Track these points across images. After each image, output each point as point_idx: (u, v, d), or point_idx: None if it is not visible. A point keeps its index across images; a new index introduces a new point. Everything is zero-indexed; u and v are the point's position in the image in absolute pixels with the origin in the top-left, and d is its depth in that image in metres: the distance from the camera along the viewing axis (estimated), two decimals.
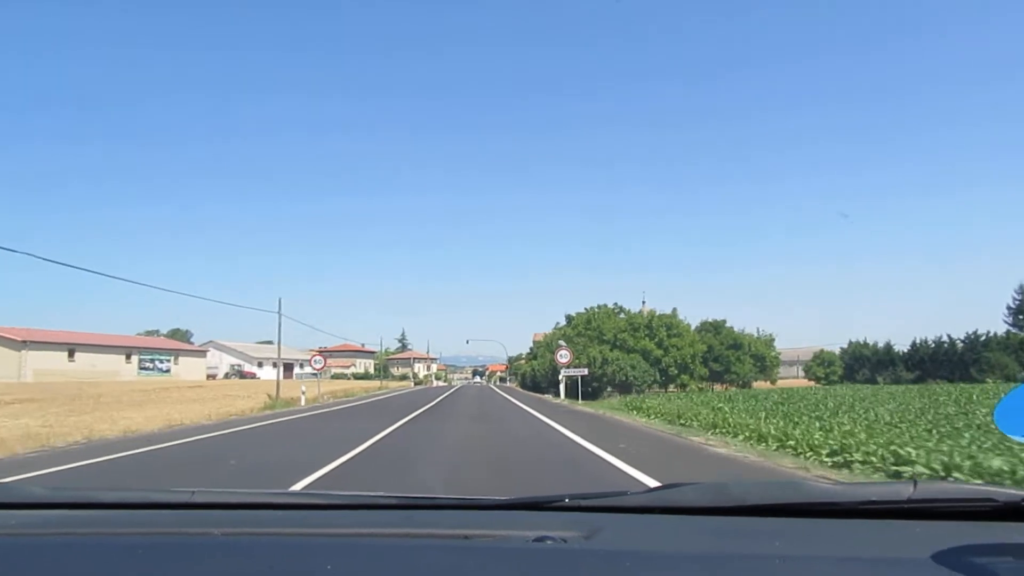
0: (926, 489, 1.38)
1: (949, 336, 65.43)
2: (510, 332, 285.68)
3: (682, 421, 16.85)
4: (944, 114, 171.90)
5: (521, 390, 61.04)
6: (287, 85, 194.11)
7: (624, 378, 41.97)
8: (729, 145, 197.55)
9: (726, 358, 55.20)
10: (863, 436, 11.38)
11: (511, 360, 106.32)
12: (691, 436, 12.92)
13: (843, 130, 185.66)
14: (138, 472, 9.11)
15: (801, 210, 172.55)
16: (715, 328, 57.12)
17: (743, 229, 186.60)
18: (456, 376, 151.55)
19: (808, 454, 10.55)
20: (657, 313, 51.75)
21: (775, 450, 11.46)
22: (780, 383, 65.19)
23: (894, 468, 8.50)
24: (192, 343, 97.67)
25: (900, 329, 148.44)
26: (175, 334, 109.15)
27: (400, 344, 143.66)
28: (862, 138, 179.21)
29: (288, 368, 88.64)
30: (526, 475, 8.19)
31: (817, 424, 14.17)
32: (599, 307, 53.95)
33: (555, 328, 59.99)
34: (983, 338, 62.94)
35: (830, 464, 9.64)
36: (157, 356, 77.54)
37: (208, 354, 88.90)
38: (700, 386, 51.15)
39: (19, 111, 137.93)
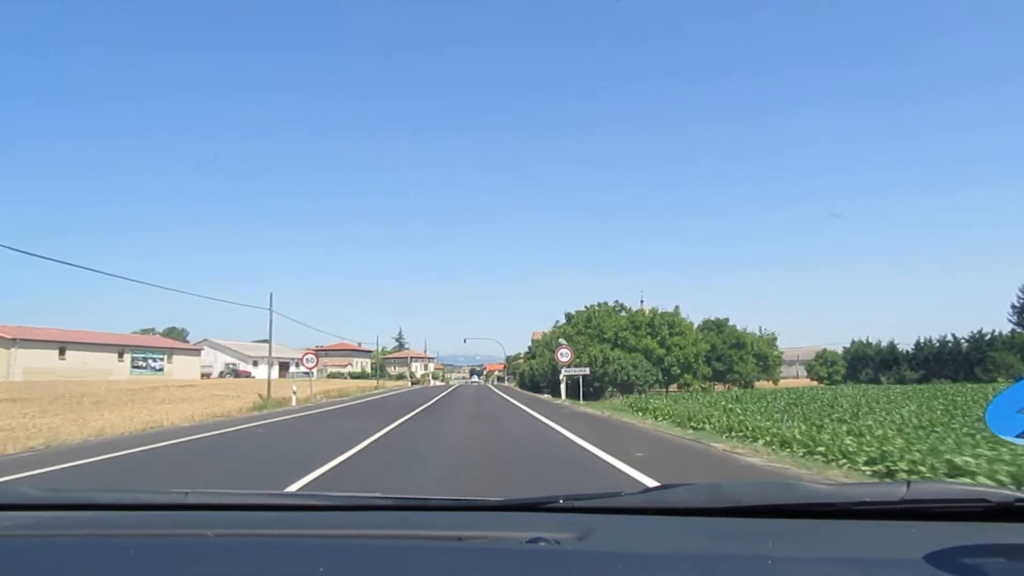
0: (920, 490, 1.38)
1: (954, 335, 64.79)
2: (508, 331, 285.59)
3: (694, 424, 15.84)
4: (947, 115, 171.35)
5: (520, 390, 59.95)
6: (287, 85, 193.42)
7: (626, 378, 40.90)
8: (729, 145, 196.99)
9: (729, 357, 54.16)
10: (900, 441, 10.38)
11: (509, 359, 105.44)
12: (711, 442, 11.86)
13: (843, 130, 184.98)
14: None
15: (801, 210, 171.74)
16: (718, 327, 56.07)
17: (743, 229, 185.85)
18: (453, 375, 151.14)
19: (842, 462, 9.56)
20: (659, 311, 50.66)
21: (802, 456, 10.50)
22: (782, 383, 64.63)
23: (949, 481, 7.59)
24: (188, 342, 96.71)
25: (902, 328, 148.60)
26: (171, 333, 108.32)
27: (397, 343, 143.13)
28: (863, 138, 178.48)
29: (284, 367, 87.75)
30: (533, 490, 7.11)
31: (844, 428, 13.14)
32: (599, 305, 52.89)
33: (554, 327, 58.95)
34: (988, 337, 62.19)
35: (870, 474, 8.63)
36: (150, 355, 76.69)
37: (203, 353, 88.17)
38: (703, 386, 50.13)
39: (17, 107, 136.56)
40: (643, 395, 38.03)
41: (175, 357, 79.35)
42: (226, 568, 1.19)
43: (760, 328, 64.01)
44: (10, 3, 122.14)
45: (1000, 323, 68.96)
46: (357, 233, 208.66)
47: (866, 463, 9.16)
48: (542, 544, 1.22)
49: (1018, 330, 62.36)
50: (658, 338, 48.35)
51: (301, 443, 12.84)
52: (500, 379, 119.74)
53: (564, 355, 33.05)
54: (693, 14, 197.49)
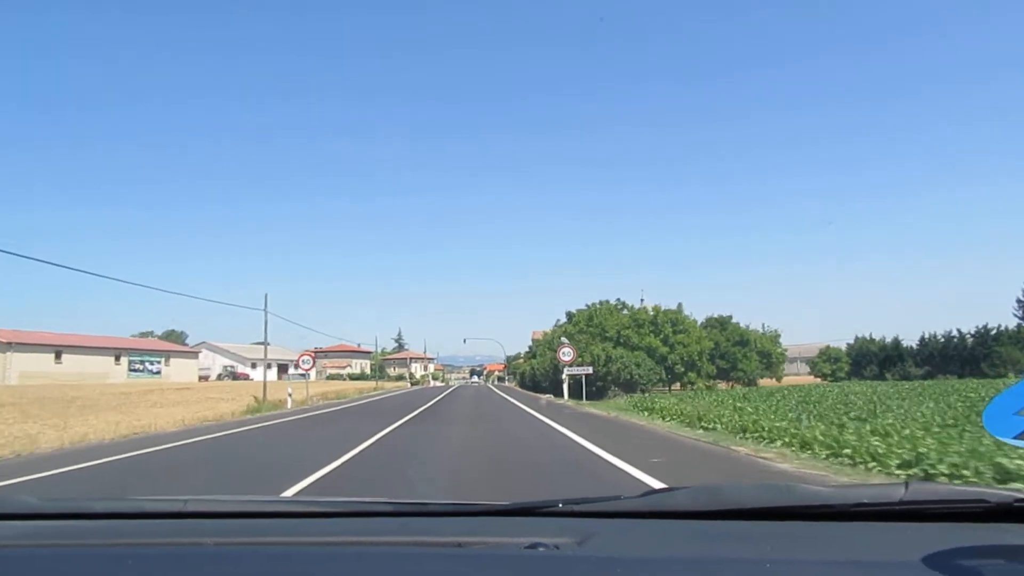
0: (918, 491, 1.38)
1: (959, 331, 64.14)
2: (508, 331, 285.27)
3: (704, 424, 15.12)
4: (949, 111, 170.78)
5: (520, 390, 59.17)
6: (285, 87, 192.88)
7: (629, 377, 40.10)
8: (729, 144, 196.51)
9: (732, 355, 53.33)
10: (930, 441, 9.66)
11: (509, 359, 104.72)
12: (731, 445, 11.10)
13: (844, 129, 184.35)
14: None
15: (801, 208, 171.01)
16: (721, 324, 55.26)
17: (743, 227, 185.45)
18: (453, 376, 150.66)
19: (871, 464, 8.85)
20: (662, 309, 49.85)
21: (825, 459, 9.81)
22: (785, 380, 64.08)
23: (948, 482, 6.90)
24: (187, 345, 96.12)
25: (904, 325, 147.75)
26: (170, 335, 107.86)
27: (397, 344, 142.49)
28: (864, 136, 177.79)
29: (283, 369, 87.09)
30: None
31: (867, 427, 12.40)
32: (601, 303, 52.07)
33: (555, 326, 58.17)
34: (993, 332, 61.54)
35: (904, 478, 7.87)
36: (147, 358, 76.20)
37: (200, 355, 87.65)
38: (707, 384, 49.36)
39: (15, 111, 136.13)
40: (647, 394, 37.31)
41: (172, 360, 78.84)
42: None
43: (763, 325, 63.39)
44: (10, 7, 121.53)
45: (1005, 318, 68.29)
46: (357, 235, 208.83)
47: (899, 466, 8.45)
48: (541, 549, 1.21)
49: None
50: (661, 336, 47.52)
51: (290, 449, 12.11)
52: (500, 379, 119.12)
53: (566, 354, 32.24)
54: (693, 14, 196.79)
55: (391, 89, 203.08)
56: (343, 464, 9.26)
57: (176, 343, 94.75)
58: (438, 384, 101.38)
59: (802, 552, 1.25)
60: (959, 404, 19.22)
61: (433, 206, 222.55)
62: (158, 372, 74.94)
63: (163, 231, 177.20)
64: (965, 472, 7.40)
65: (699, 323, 52.93)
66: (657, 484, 6.85)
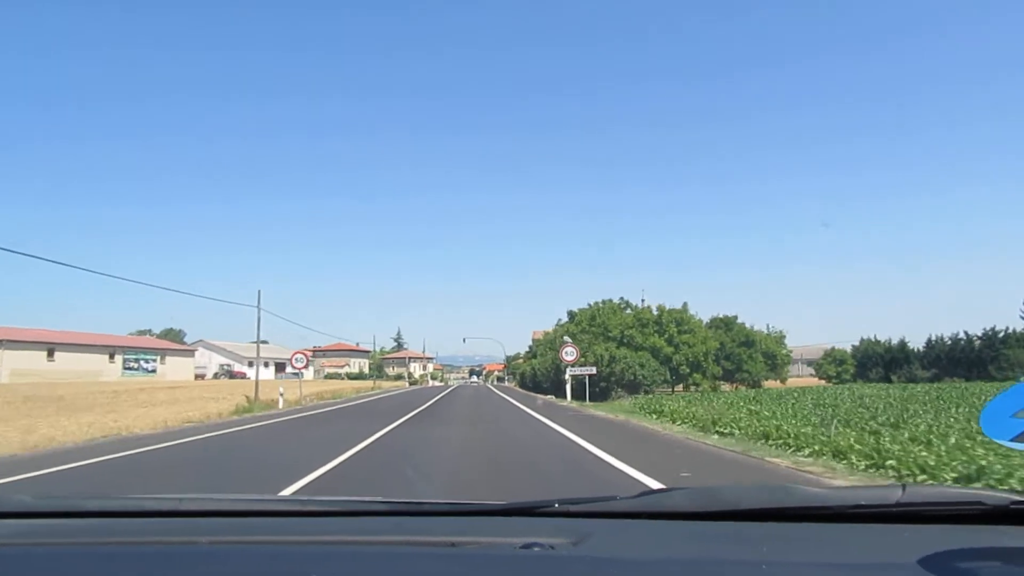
0: (915, 493, 1.38)
1: (966, 333, 63.30)
2: (508, 331, 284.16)
3: (719, 429, 14.09)
4: (952, 111, 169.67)
5: (521, 390, 57.99)
6: (286, 85, 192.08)
7: (632, 377, 38.97)
8: (729, 144, 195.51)
9: (738, 356, 52.15)
10: (981, 451, 8.62)
11: (509, 359, 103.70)
12: (763, 455, 10.02)
13: (844, 129, 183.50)
14: None
15: (802, 209, 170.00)
16: (726, 324, 54.09)
17: (743, 228, 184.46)
18: (453, 376, 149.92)
19: (921, 478, 7.83)
20: (667, 308, 48.69)
21: (864, 471, 8.83)
22: (789, 382, 63.21)
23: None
24: (185, 343, 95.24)
25: (908, 328, 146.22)
26: (168, 334, 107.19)
27: (396, 343, 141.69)
28: (864, 136, 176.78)
29: (280, 368, 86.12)
30: None
31: (904, 434, 11.34)
32: (604, 302, 50.91)
33: (557, 325, 57.11)
34: (1001, 335, 60.69)
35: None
36: (142, 356, 75.44)
37: (197, 353, 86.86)
38: (711, 386, 48.24)
39: (13, 108, 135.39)
40: (652, 396, 36.27)
41: (168, 358, 78.04)
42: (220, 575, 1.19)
43: (767, 326, 62.37)
44: (9, 4, 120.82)
45: (1013, 320, 67.43)
46: (356, 234, 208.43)
47: (956, 480, 7.42)
48: (536, 549, 1.20)
49: None
50: (666, 336, 46.33)
51: (271, 455, 11.09)
52: (500, 379, 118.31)
53: (569, 354, 31.12)
54: (693, 14, 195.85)
55: (391, 88, 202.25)
56: (331, 470, 8.45)
57: (174, 342, 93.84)
58: (437, 384, 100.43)
59: (799, 553, 1.24)
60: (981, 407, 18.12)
61: (433, 205, 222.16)
62: (153, 370, 74.19)
63: (163, 229, 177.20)
64: None
65: (704, 323, 51.82)
66: None
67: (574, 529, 1.32)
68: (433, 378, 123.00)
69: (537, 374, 54.04)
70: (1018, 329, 60.34)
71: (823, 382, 66.36)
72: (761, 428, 12.87)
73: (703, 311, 61.71)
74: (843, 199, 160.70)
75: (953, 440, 10.09)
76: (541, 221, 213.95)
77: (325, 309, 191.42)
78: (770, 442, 11.86)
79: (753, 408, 19.75)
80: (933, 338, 65.19)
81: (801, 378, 76.07)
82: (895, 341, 67.52)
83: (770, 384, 55.49)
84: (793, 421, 14.91)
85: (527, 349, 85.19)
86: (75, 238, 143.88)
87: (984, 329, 61.85)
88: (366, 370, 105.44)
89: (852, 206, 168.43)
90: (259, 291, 32.73)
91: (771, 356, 57.50)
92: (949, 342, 63.48)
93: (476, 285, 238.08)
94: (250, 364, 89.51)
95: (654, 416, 19.16)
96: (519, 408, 24.71)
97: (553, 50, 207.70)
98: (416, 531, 1.44)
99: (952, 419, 15.00)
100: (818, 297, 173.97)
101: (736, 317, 55.64)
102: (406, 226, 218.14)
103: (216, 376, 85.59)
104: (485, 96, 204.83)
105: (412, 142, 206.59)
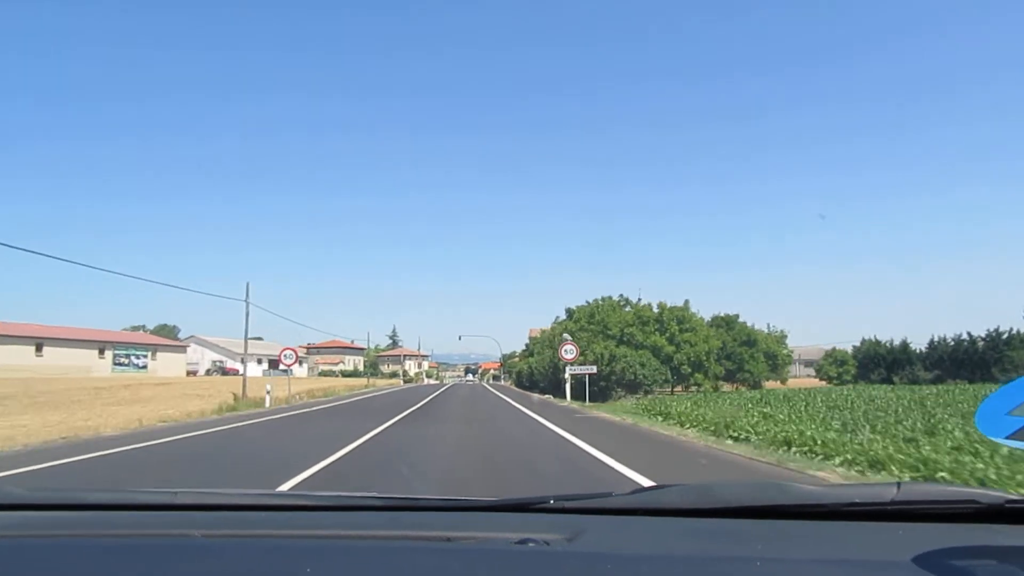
0: (910, 491, 1.38)
1: (969, 334, 62.51)
2: (504, 329, 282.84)
3: (733, 434, 13.02)
4: (952, 111, 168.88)
5: (517, 389, 56.78)
6: (286, 84, 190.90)
7: (632, 377, 37.89)
8: (729, 144, 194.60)
9: (739, 356, 51.07)
10: None
11: (505, 358, 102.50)
12: (807, 468, 8.92)
13: (843, 128, 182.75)
14: None
15: (801, 209, 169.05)
16: (727, 323, 53.01)
17: (743, 228, 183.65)
18: (448, 374, 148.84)
19: None
20: (668, 306, 47.50)
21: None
22: (790, 383, 62.39)
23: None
24: (180, 339, 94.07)
25: (908, 327, 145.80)
26: (162, 330, 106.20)
27: (391, 341, 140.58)
28: (864, 136, 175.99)
29: (273, 364, 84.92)
30: None
31: (946, 442, 10.30)
32: (603, 299, 49.69)
33: (555, 323, 55.91)
34: (1005, 336, 59.94)
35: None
36: (133, 351, 74.21)
37: (189, 350, 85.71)
38: (713, 386, 47.16)
39: (12, 107, 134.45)
40: (653, 396, 35.22)
41: (159, 354, 76.85)
42: (214, 569, 1.18)
43: (768, 325, 61.38)
44: (9, 3, 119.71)
45: (1016, 321, 66.73)
46: (354, 232, 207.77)
47: None
48: (531, 545, 1.21)
49: None
50: (667, 334, 45.14)
51: (244, 462, 9.95)
52: (496, 378, 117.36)
53: (569, 352, 29.97)
54: (693, 14, 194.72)
55: (391, 87, 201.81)
56: (313, 476, 7.58)
57: (168, 337, 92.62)
58: (432, 382, 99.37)
59: (793, 551, 1.24)
60: None
61: (432, 204, 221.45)
62: (144, 366, 73.05)
63: (162, 226, 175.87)
64: None
65: (705, 322, 50.67)
66: None
67: (569, 525, 1.32)
68: (428, 376, 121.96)
69: (534, 373, 52.88)
70: (1022, 330, 59.81)
71: (824, 383, 65.53)
72: (782, 433, 11.83)
73: (702, 311, 60.66)
74: (843, 199, 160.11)
75: (1005, 450, 9.05)
76: (540, 221, 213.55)
77: (321, 306, 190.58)
78: (793, 450, 10.83)
79: (764, 411, 18.72)
80: (935, 339, 64.54)
81: (801, 379, 75.31)
82: (897, 342, 66.88)
83: (771, 385, 54.56)
84: (812, 425, 13.89)
85: (524, 347, 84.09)
86: (73, 234, 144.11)
87: (987, 330, 61.36)
88: (361, 368, 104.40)
89: (852, 205, 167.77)
90: (247, 284, 31.63)
91: (772, 356, 56.56)
92: (952, 343, 62.75)
93: (474, 284, 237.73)
94: (243, 361, 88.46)
95: (660, 418, 18.09)
96: (516, 407, 23.57)
97: (553, 50, 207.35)
98: (411, 526, 1.44)
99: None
100: (816, 297, 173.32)
101: (738, 316, 54.74)
102: (404, 225, 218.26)
103: (209, 372, 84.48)
104: (485, 96, 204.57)
105: (412, 142, 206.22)
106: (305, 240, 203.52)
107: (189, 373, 78.31)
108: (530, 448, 11.10)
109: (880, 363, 65.19)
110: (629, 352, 39.87)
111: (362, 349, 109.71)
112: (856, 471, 8.73)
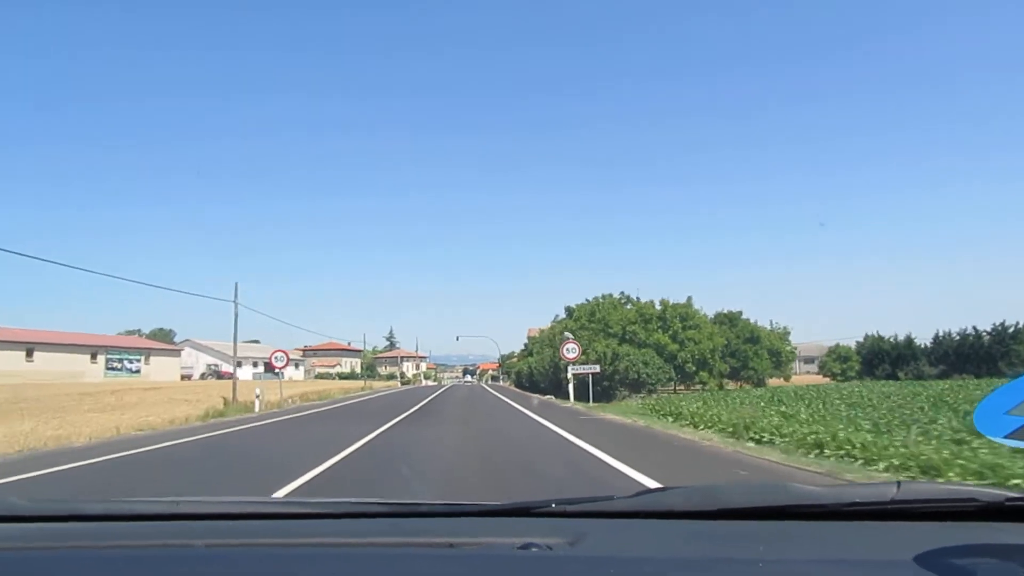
0: (910, 490, 1.39)
1: (975, 328, 61.50)
2: (503, 330, 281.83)
3: (754, 435, 11.99)
4: (955, 108, 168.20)
5: (516, 390, 55.62)
6: (286, 85, 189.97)
7: (636, 376, 36.79)
8: (729, 143, 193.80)
9: (743, 353, 49.97)
10: None
11: (503, 358, 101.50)
12: (859, 477, 7.85)
13: (843, 127, 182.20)
14: None
15: (801, 208, 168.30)
16: (730, 320, 51.89)
17: (742, 227, 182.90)
18: (446, 375, 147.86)
19: None
20: (671, 303, 46.38)
21: None
22: (794, 380, 61.49)
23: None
24: (175, 343, 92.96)
25: (910, 323, 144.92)
26: (158, 334, 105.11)
27: (388, 343, 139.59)
28: (862, 135, 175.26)
29: (269, 368, 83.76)
30: None
31: (1005, 447, 9.27)
32: (604, 297, 48.54)
33: (554, 322, 54.82)
34: (1012, 330, 59.07)
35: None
36: (126, 356, 72.96)
37: (184, 353, 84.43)
38: (718, 384, 46.08)
39: (10, 109, 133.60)
40: (657, 396, 34.16)
41: (153, 358, 75.59)
42: None
43: (771, 322, 60.34)
44: (9, 4, 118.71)
45: (1022, 315, 65.84)
46: (353, 233, 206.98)
47: None
48: (534, 550, 1.20)
49: None
50: (670, 332, 44.03)
51: (215, 477, 8.86)
52: (494, 378, 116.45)
53: (571, 350, 28.85)
54: (693, 14, 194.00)
55: (391, 87, 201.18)
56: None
57: (164, 341, 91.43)
58: (430, 383, 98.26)
59: (795, 551, 1.24)
60: None
61: (432, 204, 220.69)
62: (138, 371, 71.89)
63: (158, 227, 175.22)
64: None
65: (708, 319, 49.55)
66: None
67: (571, 529, 1.32)
68: (426, 377, 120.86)
69: (534, 373, 51.75)
70: None
71: (827, 380, 64.65)
72: (811, 435, 10.80)
73: (704, 308, 59.61)
74: (842, 196, 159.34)
75: None
76: (540, 221, 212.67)
77: (318, 309, 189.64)
78: (827, 453, 9.80)
79: (782, 410, 17.70)
80: (940, 334, 63.70)
81: (803, 376, 74.47)
82: (901, 337, 66.00)
83: (774, 382, 53.58)
84: (839, 425, 12.87)
85: (523, 347, 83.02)
86: (69, 238, 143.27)
87: (994, 324, 60.52)
88: (358, 370, 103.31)
89: (852, 203, 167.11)
90: (235, 284, 30.60)
91: (775, 353, 55.53)
92: (957, 338, 61.83)
93: (472, 284, 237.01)
94: (239, 364, 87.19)
95: (670, 419, 17.04)
96: (518, 409, 22.51)
97: (553, 50, 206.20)
98: (413, 532, 1.44)
99: None
100: (817, 294, 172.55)
101: (741, 313, 53.56)
102: (403, 225, 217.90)
103: (204, 376, 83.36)
104: (485, 96, 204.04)
105: (412, 142, 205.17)
106: (303, 241, 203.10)
107: (184, 377, 77.25)
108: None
109: (884, 359, 64.28)
110: (632, 351, 38.75)
111: (359, 351, 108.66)
112: (904, 477, 7.70)
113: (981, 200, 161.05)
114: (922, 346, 63.88)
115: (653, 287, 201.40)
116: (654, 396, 33.98)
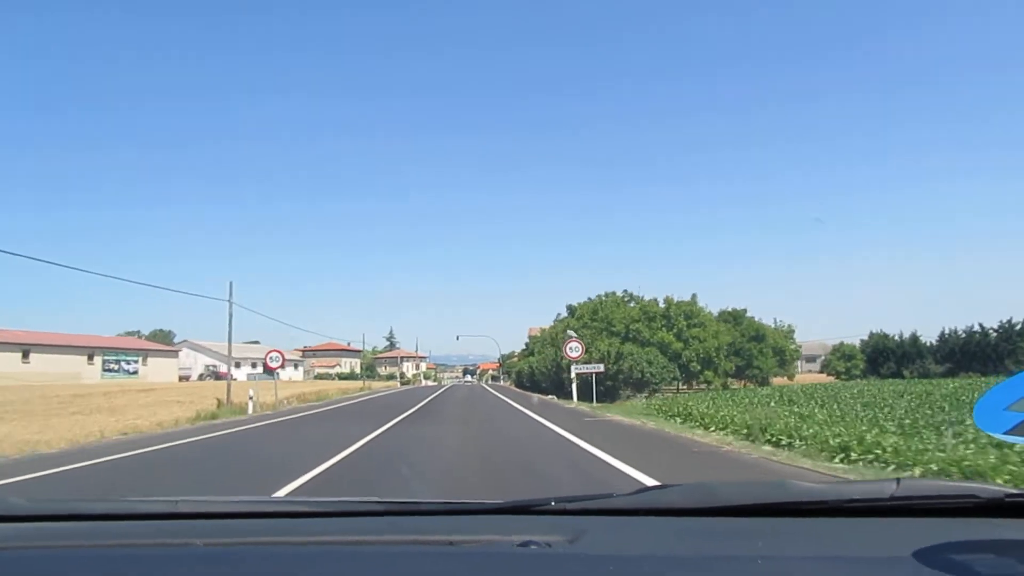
0: (909, 486, 1.38)
1: (981, 326, 60.93)
2: (503, 330, 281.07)
3: (771, 438, 11.29)
4: (956, 105, 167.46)
5: (517, 390, 54.87)
6: (286, 85, 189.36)
7: (640, 375, 36.05)
8: (729, 143, 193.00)
9: (748, 351, 49.18)
10: None
11: (504, 358, 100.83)
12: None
13: (841, 127, 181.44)
14: None
15: (801, 207, 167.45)
16: (735, 318, 51.08)
17: (743, 226, 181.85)
18: (446, 375, 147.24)
19: None
20: (675, 300, 45.55)
21: None
22: (798, 379, 60.81)
23: None
24: (173, 344, 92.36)
25: (913, 321, 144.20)
26: (157, 335, 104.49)
27: (388, 343, 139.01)
28: (860, 135, 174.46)
29: (267, 368, 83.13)
30: None
31: None
32: (607, 295, 47.75)
33: (556, 320, 54.04)
34: (1018, 327, 58.40)
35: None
36: (123, 357, 72.45)
37: (182, 354, 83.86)
38: (723, 383, 45.29)
39: (9, 111, 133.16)
40: (662, 395, 33.41)
41: (150, 359, 75.03)
42: None
43: (775, 320, 59.62)
44: (9, 5, 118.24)
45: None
46: (352, 233, 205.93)
47: None
48: (533, 547, 1.21)
49: None
50: (674, 330, 43.25)
51: (193, 488, 8.15)
52: (495, 378, 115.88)
53: (574, 349, 28.12)
54: (693, 14, 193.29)
55: (391, 87, 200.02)
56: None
57: (163, 343, 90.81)
58: (430, 384, 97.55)
59: (794, 548, 1.24)
60: None
61: (432, 204, 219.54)
62: (135, 372, 71.35)
63: (157, 229, 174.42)
64: None
65: (713, 316, 48.75)
66: None
67: (571, 527, 1.32)
68: (426, 377, 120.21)
69: (535, 373, 51.01)
70: None
71: (831, 378, 63.96)
72: (835, 438, 10.09)
73: (708, 306, 58.85)
74: (843, 194, 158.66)
75: None
76: (540, 221, 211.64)
77: (318, 309, 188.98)
78: (854, 457, 9.09)
79: (795, 410, 16.99)
80: (946, 331, 63.06)
81: (806, 375, 73.81)
82: (906, 335, 65.31)
83: (779, 381, 52.87)
84: (861, 427, 12.15)
85: (523, 347, 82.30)
86: (68, 240, 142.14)
87: (1000, 321, 60.00)
88: (358, 370, 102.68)
89: (852, 201, 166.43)
90: (230, 283, 29.84)
91: (780, 352, 54.80)
92: (963, 335, 61.29)
93: (472, 284, 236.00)
94: (237, 365, 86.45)
95: (678, 420, 16.34)
96: (520, 410, 21.79)
97: (553, 50, 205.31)
98: (413, 530, 1.44)
99: None
100: (817, 293, 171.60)
101: (745, 311, 52.80)
102: (403, 225, 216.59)
103: (202, 377, 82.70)
104: (485, 96, 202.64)
105: (412, 142, 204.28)
106: (303, 242, 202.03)
107: (182, 378, 76.68)
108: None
109: (889, 357, 63.62)
110: (635, 349, 37.98)
111: (359, 351, 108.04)
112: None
113: (984, 197, 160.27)
114: (927, 344, 63.27)
115: (654, 287, 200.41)
116: (658, 396, 33.25)
